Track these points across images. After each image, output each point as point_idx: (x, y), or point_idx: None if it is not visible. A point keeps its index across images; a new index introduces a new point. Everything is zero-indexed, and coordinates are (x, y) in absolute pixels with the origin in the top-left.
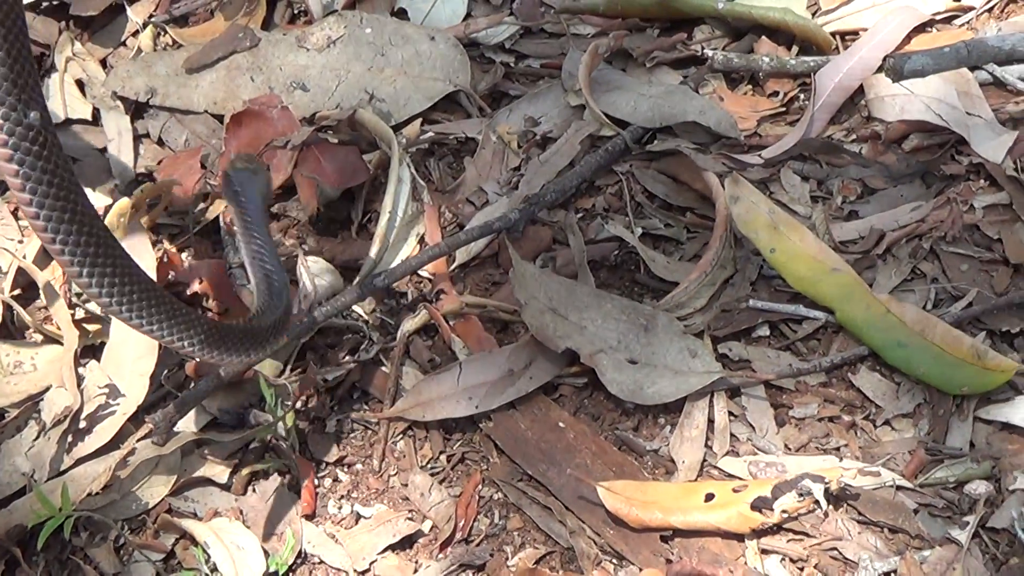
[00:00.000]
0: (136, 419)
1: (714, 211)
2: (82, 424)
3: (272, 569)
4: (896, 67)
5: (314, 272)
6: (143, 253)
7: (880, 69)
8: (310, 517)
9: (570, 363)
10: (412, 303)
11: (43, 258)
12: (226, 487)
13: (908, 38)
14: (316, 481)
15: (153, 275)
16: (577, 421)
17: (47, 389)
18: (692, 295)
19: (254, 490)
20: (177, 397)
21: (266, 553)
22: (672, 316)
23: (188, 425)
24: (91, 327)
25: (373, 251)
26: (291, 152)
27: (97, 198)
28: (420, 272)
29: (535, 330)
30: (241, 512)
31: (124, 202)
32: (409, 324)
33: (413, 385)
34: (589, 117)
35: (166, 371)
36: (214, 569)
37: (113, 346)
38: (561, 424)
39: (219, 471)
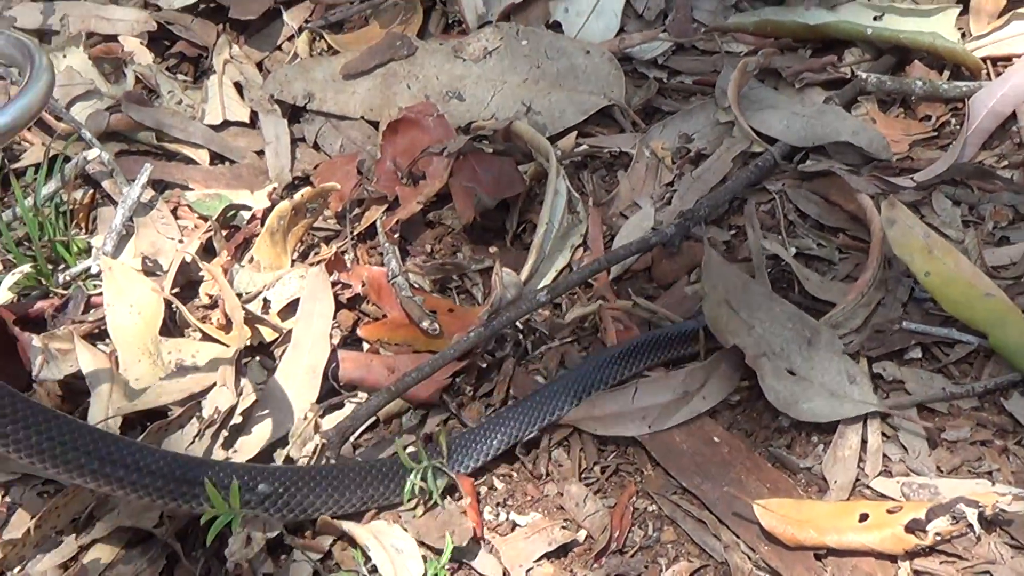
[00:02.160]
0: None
1: (866, 232)
2: (238, 422)
3: (431, 573)
4: None
5: (506, 283)
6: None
7: None
8: (476, 540)
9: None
10: (564, 313)
11: (203, 257)
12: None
13: None
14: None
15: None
16: (732, 436)
17: (210, 387)
18: (849, 315)
19: (423, 503)
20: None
21: (424, 558)
22: (835, 334)
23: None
24: (258, 328)
25: (530, 262)
26: (447, 160)
27: (256, 200)
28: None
29: (710, 320)
30: (400, 516)
31: (284, 205)
32: (573, 314)
33: (586, 400)
34: (739, 134)
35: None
36: (373, 570)
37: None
38: (716, 439)
39: None
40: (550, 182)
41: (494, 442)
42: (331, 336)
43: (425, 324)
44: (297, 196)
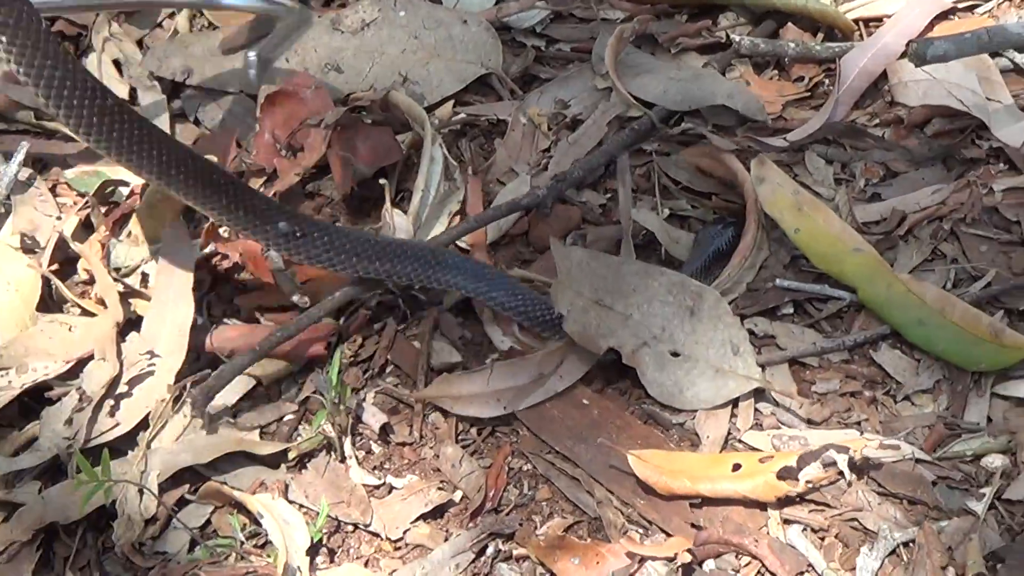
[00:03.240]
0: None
1: (736, 196)
2: (121, 392)
3: (310, 536)
4: (919, 52)
5: (397, 224)
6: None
7: (903, 55)
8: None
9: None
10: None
11: (82, 233)
12: (267, 461)
13: (930, 25)
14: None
15: (193, 261)
16: (602, 398)
17: (89, 358)
18: (736, 280)
19: (305, 466)
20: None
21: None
22: (718, 296)
23: (227, 398)
24: (133, 301)
25: (407, 228)
26: (325, 131)
27: (133, 176)
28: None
29: (577, 336)
30: (286, 485)
31: None
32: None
33: (442, 376)
34: (617, 99)
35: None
36: (251, 536)
37: (152, 317)
38: (585, 401)
39: (259, 444)
40: (425, 149)
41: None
42: (207, 305)
43: (295, 298)
44: None
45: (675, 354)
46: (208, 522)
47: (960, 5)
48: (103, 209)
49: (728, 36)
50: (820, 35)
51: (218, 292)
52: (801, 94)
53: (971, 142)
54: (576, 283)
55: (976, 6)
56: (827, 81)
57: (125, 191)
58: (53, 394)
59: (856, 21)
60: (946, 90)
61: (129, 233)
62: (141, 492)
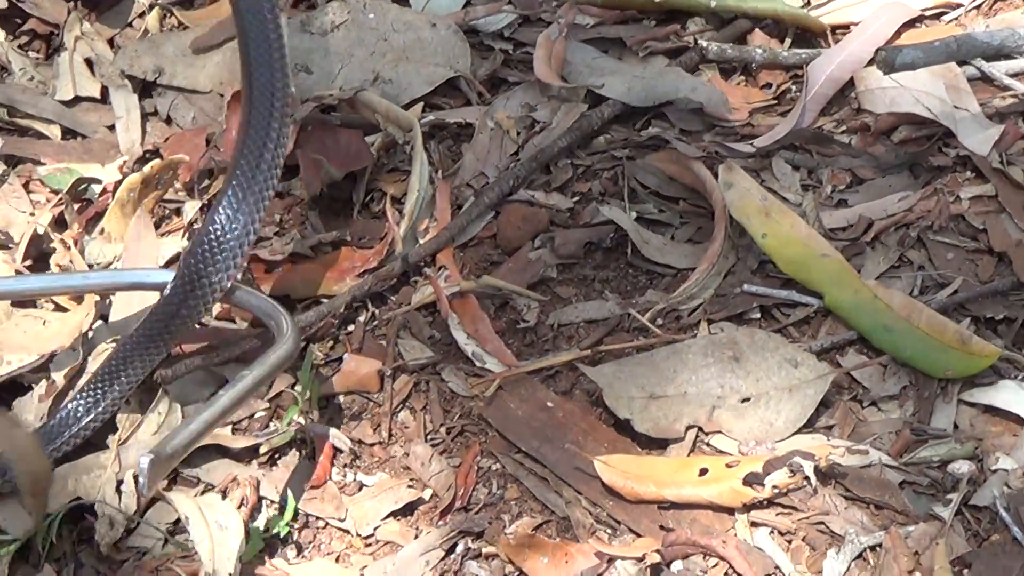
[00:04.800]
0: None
1: (705, 201)
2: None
3: (275, 531)
4: (888, 60)
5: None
6: (146, 231)
7: (871, 62)
8: (317, 487)
9: None
10: (409, 279)
11: (55, 229)
12: (239, 456)
13: (898, 33)
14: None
15: (155, 249)
16: (566, 400)
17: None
18: (703, 286)
19: (276, 462)
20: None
21: (248, 534)
22: (748, 330)
23: (199, 395)
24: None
25: (402, 229)
26: (293, 129)
27: (107, 173)
28: None
29: (655, 432)
30: (258, 481)
31: (134, 178)
32: (417, 298)
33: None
34: (574, 98)
35: None
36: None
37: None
38: (550, 404)
39: (231, 439)
40: (416, 150)
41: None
42: None
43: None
44: (146, 168)
45: (745, 400)
46: (178, 519)
47: (927, 13)
48: (76, 206)
49: (696, 41)
50: (787, 42)
51: None
52: (768, 101)
53: (938, 150)
54: (624, 391)
55: (943, 14)
56: (794, 87)
57: (98, 188)
58: (27, 381)
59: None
60: (913, 98)
61: (102, 230)
62: (119, 492)
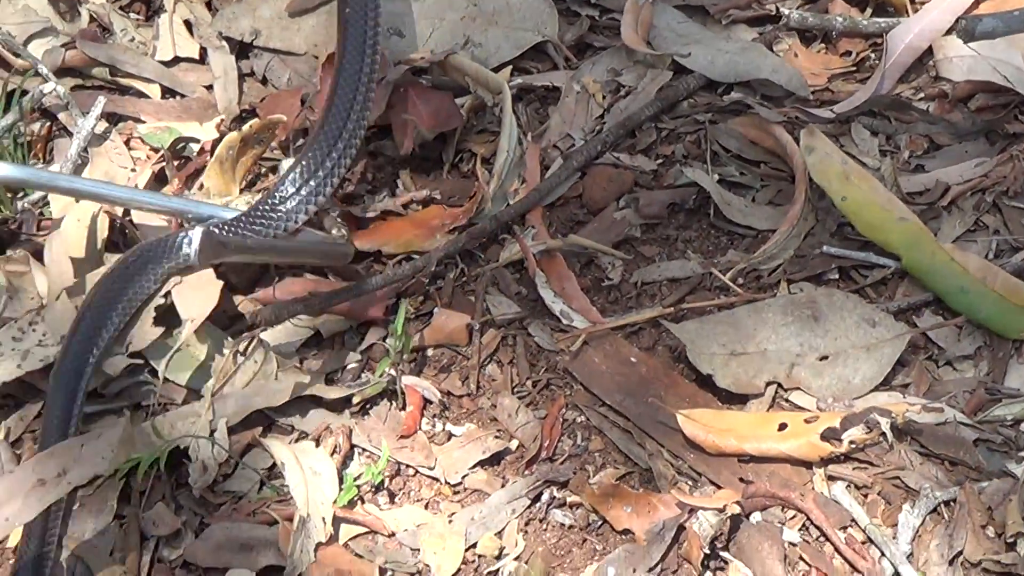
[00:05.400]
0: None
1: (784, 164)
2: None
3: (368, 479)
4: (968, 28)
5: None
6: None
7: (950, 31)
8: (407, 436)
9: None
10: (498, 237)
11: (155, 186)
12: (332, 406)
13: (976, 2)
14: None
15: None
16: (649, 356)
17: None
18: (783, 247)
19: (368, 412)
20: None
21: (341, 480)
22: (827, 290)
23: (291, 346)
24: None
25: (491, 188)
26: (385, 90)
27: (204, 132)
28: None
29: (735, 387)
30: (350, 430)
31: (234, 136)
32: (505, 255)
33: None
34: (660, 65)
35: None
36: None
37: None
38: (633, 359)
39: (326, 389)
40: (505, 112)
41: None
42: None
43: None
44: (245, 127)
45: (823, 358)
46: (274, 464)
47: None
48: (176, 163)
49: (778, 9)
50: (868, 11)
51: None
52: (847, 68)
53: (1014, 117)
54: (706, 347)
55: None
56: (873, 56)
57: (196, 147)
58: None
59: None
60: (991, 66)
61: (201, 186)
62: (212, 441)
